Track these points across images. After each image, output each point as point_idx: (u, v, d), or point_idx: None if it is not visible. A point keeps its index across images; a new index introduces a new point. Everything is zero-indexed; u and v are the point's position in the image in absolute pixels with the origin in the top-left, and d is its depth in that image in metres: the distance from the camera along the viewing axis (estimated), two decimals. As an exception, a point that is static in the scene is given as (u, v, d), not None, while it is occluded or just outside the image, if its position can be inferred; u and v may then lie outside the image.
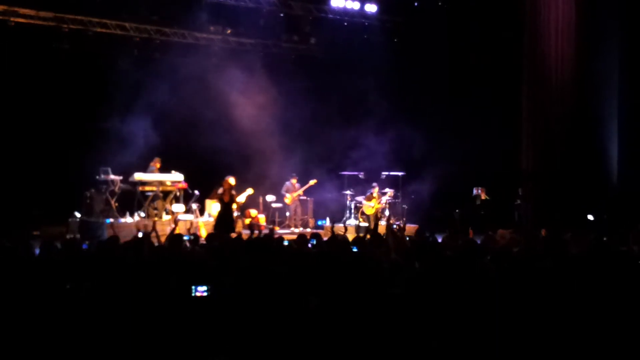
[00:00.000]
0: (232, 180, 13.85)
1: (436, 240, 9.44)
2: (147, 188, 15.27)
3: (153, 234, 8.63)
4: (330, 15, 19.13)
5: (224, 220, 13.47)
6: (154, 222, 9.47)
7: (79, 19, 16.59)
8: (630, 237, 9.95)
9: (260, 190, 16.65)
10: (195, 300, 5.02)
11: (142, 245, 7.80)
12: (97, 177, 15.10)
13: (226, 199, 13.54)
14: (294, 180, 17.07)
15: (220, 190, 13.62)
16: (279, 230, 15.86)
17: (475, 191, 18.61)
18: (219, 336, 4.75)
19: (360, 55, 18.86)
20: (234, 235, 12.61)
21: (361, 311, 5.21)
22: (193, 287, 5.07)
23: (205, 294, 5.02)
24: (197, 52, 18.14)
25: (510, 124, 18.14)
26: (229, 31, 18.51)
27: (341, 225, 16.90)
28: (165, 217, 15.06)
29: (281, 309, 4.95)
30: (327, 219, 16.56)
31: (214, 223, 13.76)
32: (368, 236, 10.30)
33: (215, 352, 4.66)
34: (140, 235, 8.20)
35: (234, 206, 13.90)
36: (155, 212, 15.22)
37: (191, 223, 13.68)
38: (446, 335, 4.85)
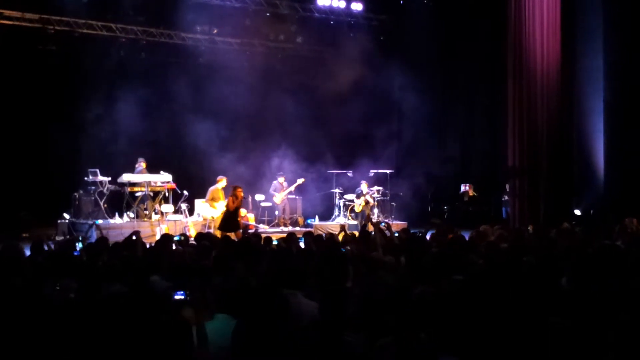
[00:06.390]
0: (241, 192, 13.88)
1: (424, 237, 9.47)
2: (135, 189, 15.25)
3: None
4: (316, 14, 19.18)
5: (230, 220, 13.53)
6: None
7: (65, 20, 16.49)
8: (615, 231, 10.08)
9: (249, 190, 16.66)
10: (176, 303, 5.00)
11: (135, 245, 7.82)
12: (86, 178, 15.08)
13: (232, 207, 13.52)
14: (281, 179, 17.08)
15: (231, 199, 13.56)
16: (268, 229, 15.90)
17: (463, 188, 18.74)
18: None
19: (346, 53, 18.87)
20: (239, 234, 12.72)
21: (351, 308, 5.25)
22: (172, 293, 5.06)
23: (183, 297, 5.00)
24: (184, 52, 18.14)
25: (497, 121, 18.27)
26: (215, 31, 18.50)
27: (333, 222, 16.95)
28: (155, 217, 15.07)
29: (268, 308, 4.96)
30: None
31: (219, 222, 13.75)
32: (356, 234, 10.38)
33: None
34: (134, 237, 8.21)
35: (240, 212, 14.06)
36: (145, 212, 15.21)
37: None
38: (434, 331, 4.89)
